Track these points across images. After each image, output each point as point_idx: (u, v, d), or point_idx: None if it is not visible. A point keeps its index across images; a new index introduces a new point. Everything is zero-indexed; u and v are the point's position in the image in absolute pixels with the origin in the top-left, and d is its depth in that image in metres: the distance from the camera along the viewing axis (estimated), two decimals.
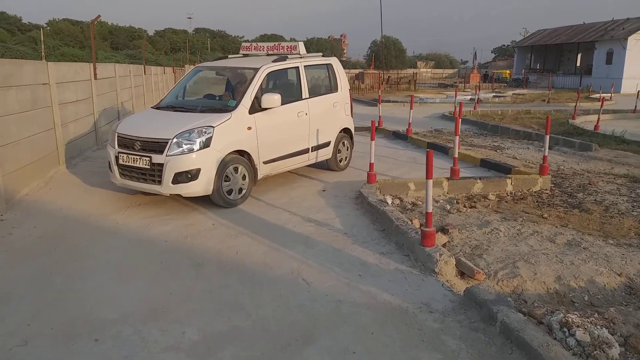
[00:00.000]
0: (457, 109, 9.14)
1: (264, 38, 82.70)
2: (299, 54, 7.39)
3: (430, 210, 4.21)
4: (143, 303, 3.57)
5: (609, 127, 12.61)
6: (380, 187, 6.54)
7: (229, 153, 5.79)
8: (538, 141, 11.12)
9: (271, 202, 6.17)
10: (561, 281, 3.98)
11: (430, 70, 68.09)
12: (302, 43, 7.47)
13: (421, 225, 4.87)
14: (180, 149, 5.48)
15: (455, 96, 16.52)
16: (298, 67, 7.12)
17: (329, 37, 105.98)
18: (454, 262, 4.04)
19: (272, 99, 6.20)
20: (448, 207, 6.04)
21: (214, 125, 5.68)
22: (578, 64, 41.78)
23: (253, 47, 8.00)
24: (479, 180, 6.76)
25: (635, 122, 15.66)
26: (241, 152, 6.00)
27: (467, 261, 4.11)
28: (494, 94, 28.09)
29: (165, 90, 23.01)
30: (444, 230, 5.12)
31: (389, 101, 22.55)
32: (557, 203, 6.32)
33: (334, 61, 7.92)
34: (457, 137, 6.94)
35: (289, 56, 7.17)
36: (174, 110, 6.48)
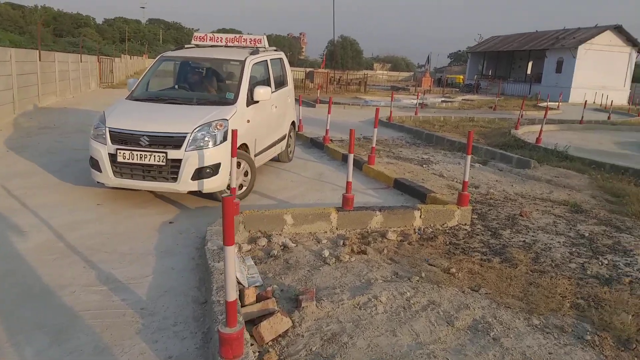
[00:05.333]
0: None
1: (221, 32, 79.96)
2: (264, 47, 7.18)
3: (231, 298, 2.44)
4: None
5: (552, 140, 11.39)
6: (244, 220, 4.79)
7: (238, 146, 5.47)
8: (474, 154, 9.69)
9: (76, 243, 4.28)
10: None
11: (386, 72, 67.23)
12: (265, 37, 7.30)
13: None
14: (200, 143, 5.15)
15: (392, 100, 14.88)
16: (267, 60, 6.98)
17: (288, 34, 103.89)
18: None
19: (263, 91, 6.01)
20: (327, 253, 4.35)
21: (227, 118, 5.42)
22: (529, 72, 41.65)
23: (208, 38, 7.35)
24: (378, 212, 5.11)
25: (581, 134, 14.68)
26: (241, 146, 5.64)
27: None
28: (443, 99, 27.02)
29: (81, 81, 20.59)
30: (297, 300, 3.43)
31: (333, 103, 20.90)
32: (475, 247, 4.77)
33: (283, 56, 7.89)
34: (351, 154, 5.27)
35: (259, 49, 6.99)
36: (165, 103, 5.94)
